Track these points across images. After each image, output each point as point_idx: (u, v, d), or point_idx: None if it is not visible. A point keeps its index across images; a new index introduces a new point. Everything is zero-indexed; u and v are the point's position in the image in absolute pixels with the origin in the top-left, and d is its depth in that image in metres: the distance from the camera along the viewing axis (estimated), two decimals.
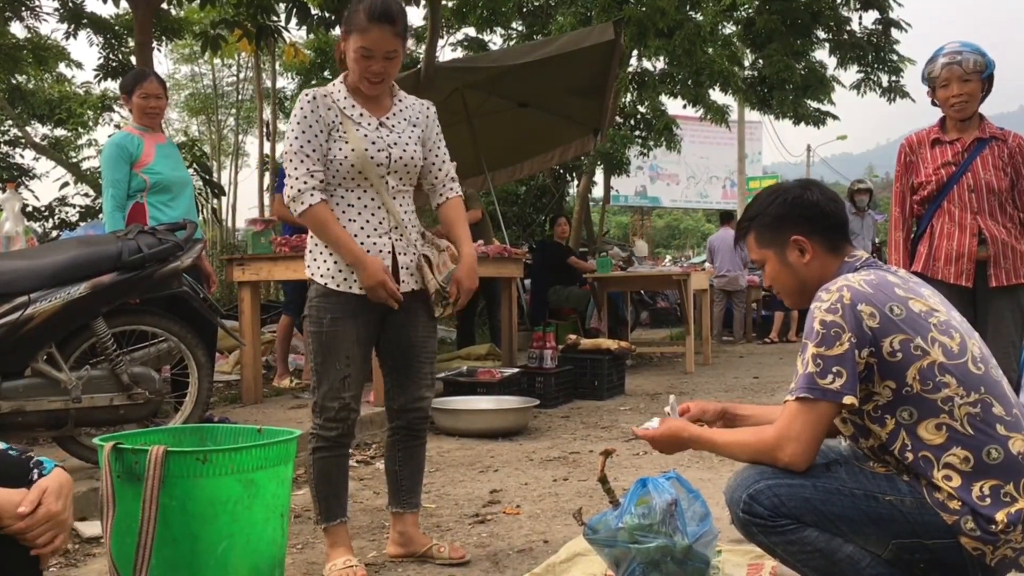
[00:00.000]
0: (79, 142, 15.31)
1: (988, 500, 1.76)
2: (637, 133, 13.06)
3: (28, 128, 13.66)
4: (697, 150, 23.84)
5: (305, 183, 2.54)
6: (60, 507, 1.50)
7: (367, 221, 2.62)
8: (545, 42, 8.63)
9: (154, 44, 8.83)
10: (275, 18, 8.17)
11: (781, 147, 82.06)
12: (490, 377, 5.55)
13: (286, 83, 19.07)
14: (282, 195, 2.88)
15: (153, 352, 3.69)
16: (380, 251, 2.61)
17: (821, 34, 12.96)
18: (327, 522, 2.64)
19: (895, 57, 12.80)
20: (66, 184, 12.48)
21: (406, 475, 2.81)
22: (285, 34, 9.13)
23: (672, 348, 9.35)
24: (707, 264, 11.21)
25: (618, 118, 12.29)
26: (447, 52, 14.23)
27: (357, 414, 2.67)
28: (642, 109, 12.94)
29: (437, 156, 2.78)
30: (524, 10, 13.50)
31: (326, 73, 13.78)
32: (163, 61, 29.24)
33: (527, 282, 9.82)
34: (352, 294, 2.59)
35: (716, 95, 12.70)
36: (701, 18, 11.88)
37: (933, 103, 3.73)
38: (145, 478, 2.05)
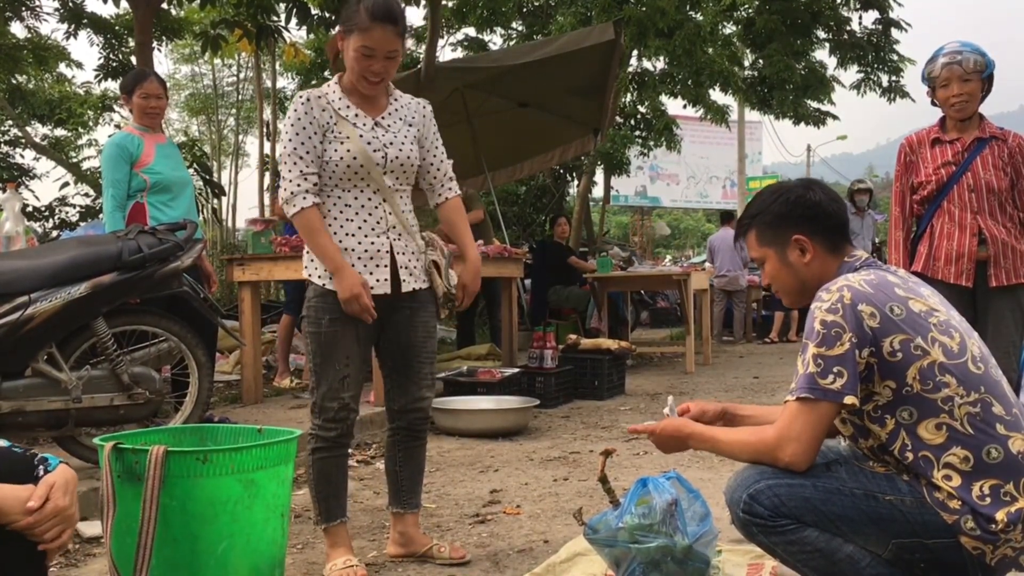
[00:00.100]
0: (79, 142, 15.33)
1: (988, 499, 1.76)
2: (637, 133, 13.07)
3: (28, 128, 13.67)
4: (697, 150, 23.86)
5: (298, 185, 2.53)
6: (67, 502, 1.52)
7: (364, 221, 2.61)
8: (545, 42, 8.62)
9: (154, 44, 8.84)
10: (275, 18, 8.17)
11: (781, 147, 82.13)
12: (490, 377, 5.55)
13: (286, 83, 19.11)
14: None
15: (153, 352, 3.69)
16: (378, 251, 2.61)
17: (821, 34, 12.97)
18: (327, 522, 2.64)
19: (895, 57, 12.83)
20: (66, 184, 12.51)
21: (406, 475, 2.80)
22: (285, 34, 9.13)
23: (672, 348, 9.35)
24: (707, 264, 11.21)
25: (618, 118, 12.29)
26: (447, 52, 14.25)
27: (356, 414, 2.67)
28: (642, 109, 12.94)
29: (434, 155, 2.77)
30: (524, 10, 13.50)
31: (326, 73, 13.75)
32: (163, 61, 29.33)
33: (527, 282, 9.81)
34: None
35: (716, 95, 12.74)
36: (701, 18, 11.88)
37: (933, 103, 3.73)
38: (145, 478, 2.05)
